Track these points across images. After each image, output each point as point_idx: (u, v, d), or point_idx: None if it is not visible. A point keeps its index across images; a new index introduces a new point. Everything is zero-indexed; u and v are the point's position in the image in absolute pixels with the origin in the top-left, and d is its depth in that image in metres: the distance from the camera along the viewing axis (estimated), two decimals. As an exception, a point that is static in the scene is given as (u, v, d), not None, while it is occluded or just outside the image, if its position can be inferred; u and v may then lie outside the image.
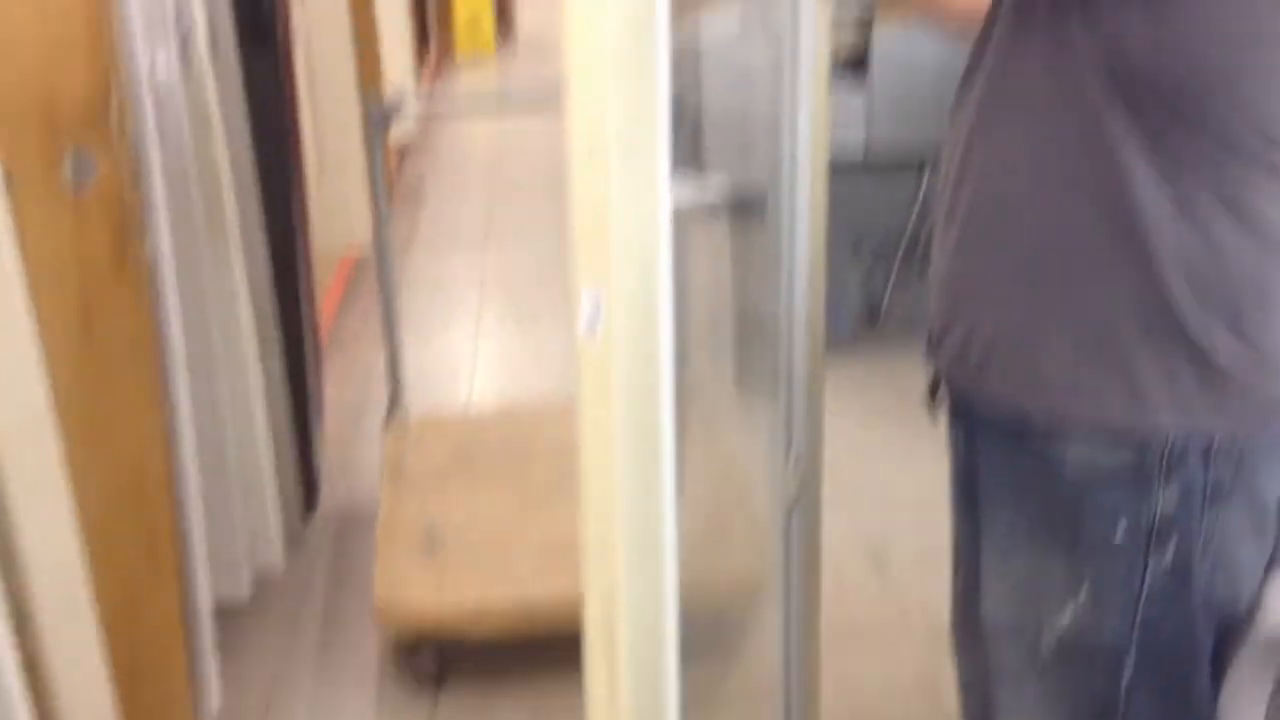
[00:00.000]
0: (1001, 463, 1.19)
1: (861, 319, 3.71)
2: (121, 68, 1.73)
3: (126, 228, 1.73)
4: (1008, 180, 1.12)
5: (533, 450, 2.78)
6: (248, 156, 2.32)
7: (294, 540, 2.63)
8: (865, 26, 3.34)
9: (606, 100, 0.87)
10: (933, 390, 1.30)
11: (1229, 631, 1.16)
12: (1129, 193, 1.03)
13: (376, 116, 2.76)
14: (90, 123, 1.63)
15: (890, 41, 3.30)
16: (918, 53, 3.26)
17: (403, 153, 5.66)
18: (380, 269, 2.96)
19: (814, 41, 1.16)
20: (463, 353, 3.86)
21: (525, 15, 9.65)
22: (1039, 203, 1.09)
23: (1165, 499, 1.09)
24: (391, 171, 5.03)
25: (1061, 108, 1.06)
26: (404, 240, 4.77)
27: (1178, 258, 1.04)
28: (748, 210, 1.26)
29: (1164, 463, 1.08)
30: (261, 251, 2.41)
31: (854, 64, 3.34)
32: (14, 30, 1.59)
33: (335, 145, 3.37)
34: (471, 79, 8.29)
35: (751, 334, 2.26)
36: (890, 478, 2.96)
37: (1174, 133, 1.02)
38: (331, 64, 3.23)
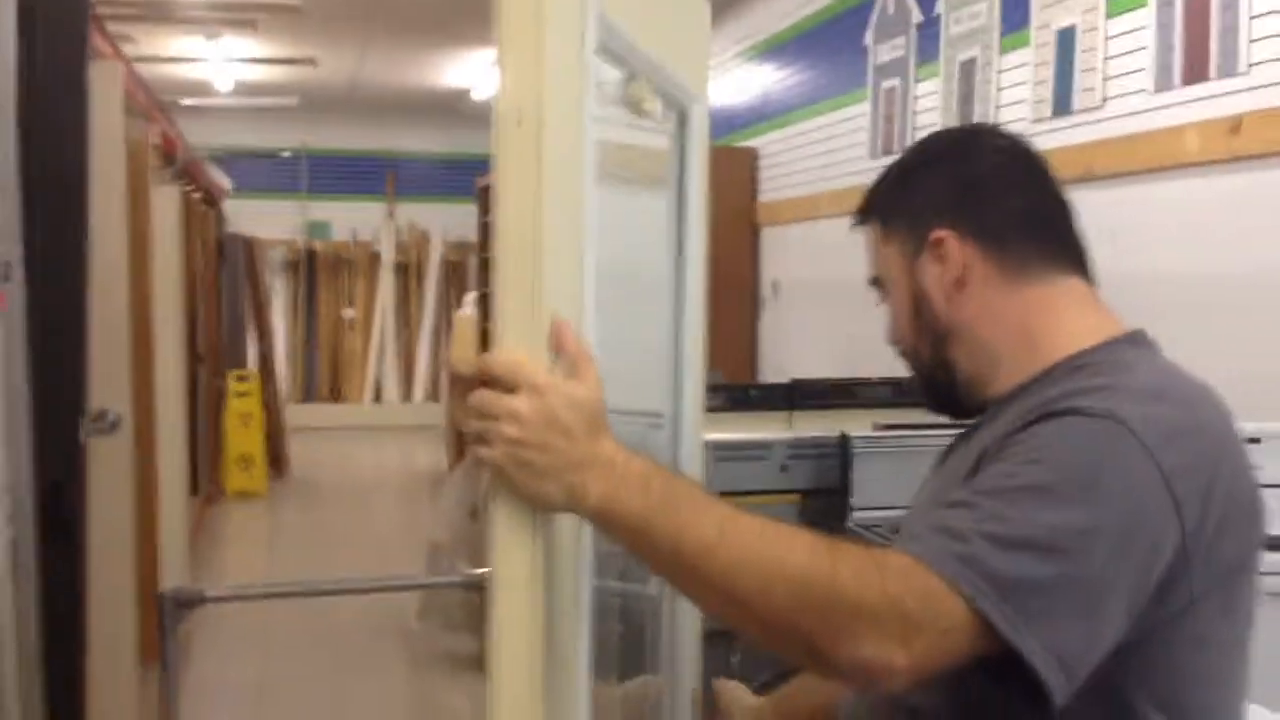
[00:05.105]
0: None
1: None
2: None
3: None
4: None
5: None
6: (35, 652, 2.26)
7: None
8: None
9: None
10: None
11: None
12: None
13: (171, 608, 2.72)
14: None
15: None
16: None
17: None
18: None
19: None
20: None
21: (299, 456, 9.70)
22: None
23: None
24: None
25: None
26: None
27: None
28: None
29: None
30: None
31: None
32: None
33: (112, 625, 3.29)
34: (242, 519, 8.20)
35: None
36: None
37: None
38: (112, 547, 3.21)
